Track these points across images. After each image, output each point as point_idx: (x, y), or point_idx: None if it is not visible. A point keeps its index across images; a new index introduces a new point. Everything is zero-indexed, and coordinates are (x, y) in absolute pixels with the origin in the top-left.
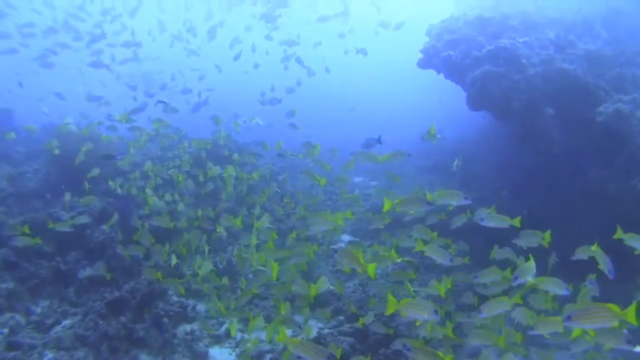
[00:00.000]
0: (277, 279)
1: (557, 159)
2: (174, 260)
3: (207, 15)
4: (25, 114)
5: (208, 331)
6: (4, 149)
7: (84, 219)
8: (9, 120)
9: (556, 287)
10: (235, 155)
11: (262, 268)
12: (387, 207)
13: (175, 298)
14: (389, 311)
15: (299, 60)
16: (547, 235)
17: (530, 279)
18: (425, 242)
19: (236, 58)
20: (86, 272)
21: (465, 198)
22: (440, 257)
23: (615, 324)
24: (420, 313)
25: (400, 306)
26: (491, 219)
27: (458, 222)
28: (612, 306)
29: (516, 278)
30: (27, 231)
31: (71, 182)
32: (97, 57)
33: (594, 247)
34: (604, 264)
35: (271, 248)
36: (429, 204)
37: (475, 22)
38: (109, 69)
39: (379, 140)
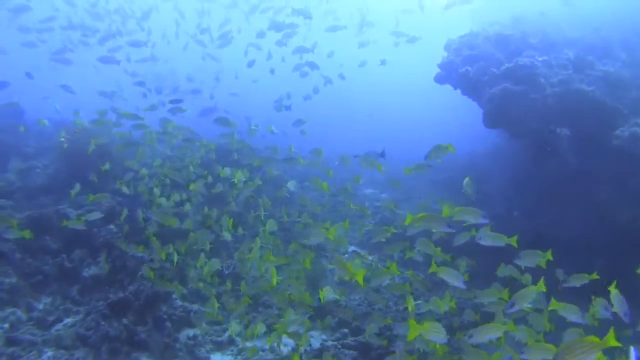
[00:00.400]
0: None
1: (570, 180)
2: (175, 257)
3: (224, 22)
4: (37, 109)
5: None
6: (14, 142)
7: (95, 215)
8: (20, 114)
9: (573, 314)
10: (257, 161)
11: (260, 274)
12: (408, 221)
13: (179, 302)
14: (410, 337)
15: (312, 65)
16: (548, 254)
17: (527, 306)
18: (429, 256)
19: (250, 65)
20: (91, 271)
21: (483, 216)
22: (454, 280)
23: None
24: (436, 337)
25: (422, 330)
26: (487, 237)
27: (462, 239)
28: (593, 338)
29: (512, 304)
30: (14, 225)
31: (81, 179)
32: (110, 53)
33: (612, 288)
34: (620, 306)
35: (270, 254)
36: (449, 226)
37: (495, 38)
38: (119, 64)
39: (382, 155)
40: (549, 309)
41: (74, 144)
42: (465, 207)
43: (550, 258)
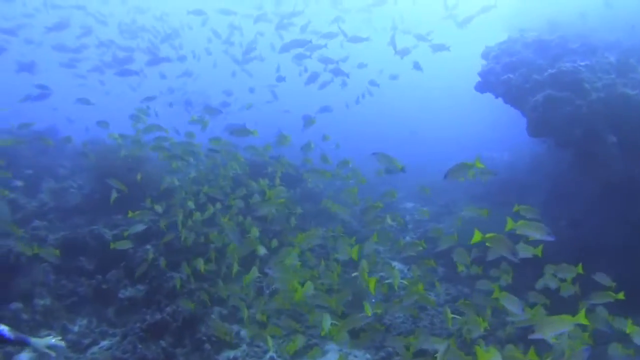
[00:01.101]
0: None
1: (618, 188)
2: (235, 268)
3: (253, 39)
4: (68, 128)
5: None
6: (48, 163)
7: (139, 228)
8: (54, 134)
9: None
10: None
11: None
12: (476, 238)
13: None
14: None
15: (337, 72)
16: (579, 268)
17: (550, 337)
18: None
19: (279, 80)
20: (127, 292)
21: (548, 233)
22: (513, 306)
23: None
24: None
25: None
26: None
27: (494, 254)
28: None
29: (533, 332)
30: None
31: (118, 199)
32: (126, 65)
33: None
34: None
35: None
36: (514, 254)
37: (534, 44)
38: (138, 75)
39: (403, 170)
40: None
41: (108, 165)
42: (531, 221)
43: (581, 272)
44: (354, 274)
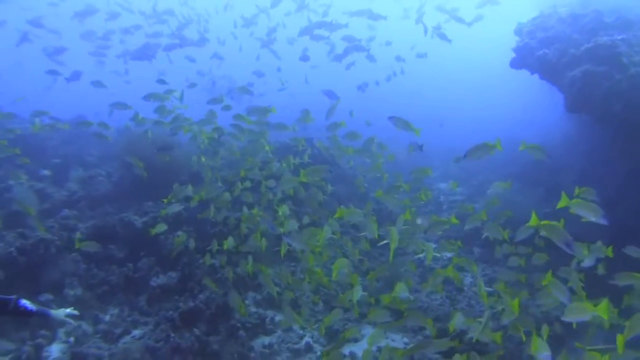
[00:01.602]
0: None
1: None
2: (284, 246)
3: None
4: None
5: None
6: (77, 151)
7: (176, 207)
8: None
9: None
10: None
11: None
12: (533, 222)
13: (253, 309)
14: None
15: (358, 48)
16: (609, 251)
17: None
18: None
19: (303, 59)
20: (159, 280)
21: (603, 216)
22: (561, 295)
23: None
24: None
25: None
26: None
27: (523, 234)
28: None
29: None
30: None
31: (146, 186)
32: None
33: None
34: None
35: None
36: (568, 245)
37: (569, 19)
38: (154, 58)
39: (420, 147)
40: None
41: (137, 151)
42: (587, 202)
43: (610, 255)
44: (381, 242)
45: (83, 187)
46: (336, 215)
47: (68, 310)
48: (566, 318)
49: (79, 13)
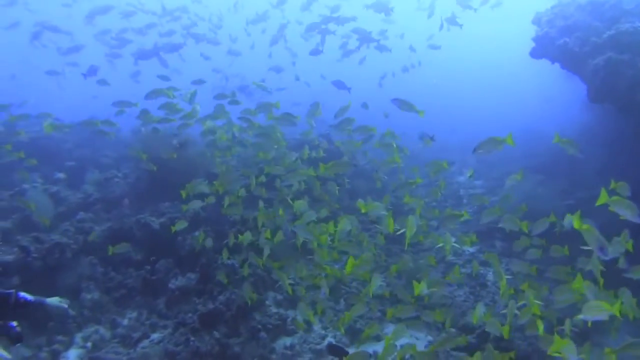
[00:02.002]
0: None
1: None
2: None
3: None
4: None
5: None
6: (93, 153)
7: (197, 204)
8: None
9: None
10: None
11: None
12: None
13: (273, 309)
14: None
15: (364, 37)
16: (629, 245)
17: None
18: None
19: (313, 53)
20: (177, 282)
21: (639, 216)
22: (591, 295)
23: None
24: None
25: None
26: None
27: (540, 227)
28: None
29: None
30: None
31: (162, 187)
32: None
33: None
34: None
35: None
36: (602, 250)
37: (588, 7)
38: (160, 57)
39: (432, 138)
40: None
41: (152, 152)
42: (624, 200)
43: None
44: (399, 231)
45: (99, 189)
46: (361, 210)
47: (58, 298)
48: (584, 316)
49: (94, 11)
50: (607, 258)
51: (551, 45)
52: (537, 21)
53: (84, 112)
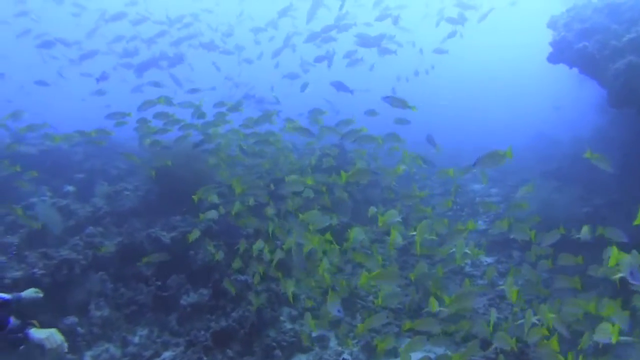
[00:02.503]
0: None
1: None
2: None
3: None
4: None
5: None
6: (101, 165)
7: (213, 214)
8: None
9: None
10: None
11: None
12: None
13: (288, 325)
14: None
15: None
16: None
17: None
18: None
19: (319, 60)
20: (189, 298)
21: None
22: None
23: None
24: None
25: None
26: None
27: (550, 239)
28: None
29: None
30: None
31: (174, 200)
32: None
33: None
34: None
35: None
36: (635, 276)
37: (606, 9)
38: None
39: (435, 144)
40: None
41: (163, 165)
42: None
43: None
44: (411, 233)
45: (108, 203)
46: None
47: (32, 289)
48: (597, 338)
49: (109, 19)
50: (637, 283)
51: (569, 49)
52: (553, 25)
53: (95, 122)
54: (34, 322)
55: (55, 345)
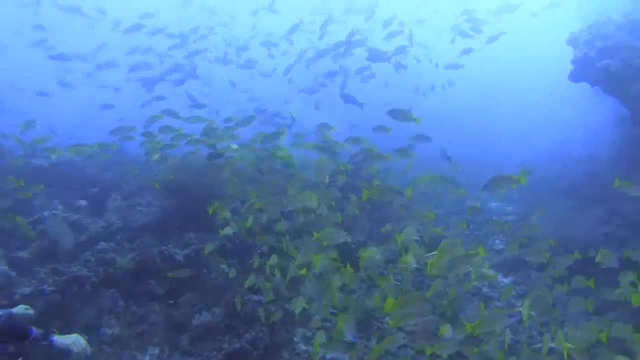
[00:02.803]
0: None
1: None
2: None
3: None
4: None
5: None
6: (116, 179)
7: (230, 230)
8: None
9: None
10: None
11: None
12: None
13: (302, 346)
14: None
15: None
16: None
17: None
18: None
19: (331, 76)
20: (202, 318)
21: None
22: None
23: None
24: None
25: None
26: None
27: (564, 264)
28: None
29: None
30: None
31: (187, 216)
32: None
33: None
34: None
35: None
36: None
37: (628, 25)
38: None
39: (449, 158)
40: None
41: (179, 179)
42: None
43: None
44: (429, 254)
45: (121, 218)
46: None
47: (22, 305)
48: None
49: (127, 30)
50: None
51: (591, 67)
52: (573, 42)
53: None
54: (55, 330)
55: (80, 349)
